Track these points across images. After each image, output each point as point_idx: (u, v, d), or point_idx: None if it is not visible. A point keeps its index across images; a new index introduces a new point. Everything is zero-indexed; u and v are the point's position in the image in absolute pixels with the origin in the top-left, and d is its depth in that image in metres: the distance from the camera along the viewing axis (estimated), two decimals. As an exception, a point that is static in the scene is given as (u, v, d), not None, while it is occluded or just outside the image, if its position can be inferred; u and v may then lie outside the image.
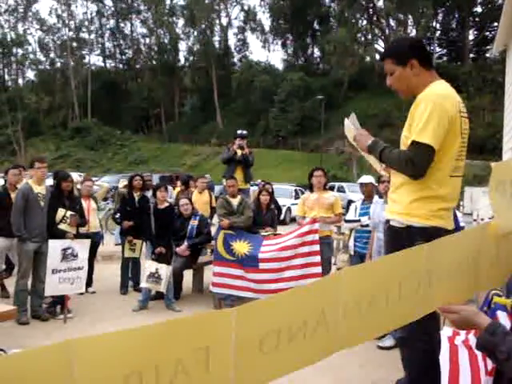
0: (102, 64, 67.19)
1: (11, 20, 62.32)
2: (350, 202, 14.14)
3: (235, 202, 6.74)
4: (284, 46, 61.35)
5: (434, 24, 51.85)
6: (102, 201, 11.37)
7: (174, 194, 9.80)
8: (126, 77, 64.71)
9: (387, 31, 51.59)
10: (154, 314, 6.00)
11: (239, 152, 8.09)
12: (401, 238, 2.46)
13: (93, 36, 64.64)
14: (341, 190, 23.31)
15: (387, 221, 2.62)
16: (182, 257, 6.76)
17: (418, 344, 2.46)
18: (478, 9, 50.53)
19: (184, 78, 62.37)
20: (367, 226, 5.59)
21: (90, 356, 1.14)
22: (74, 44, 62.20)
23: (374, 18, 53.11)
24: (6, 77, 64.64)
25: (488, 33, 48.61)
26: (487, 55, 47.73)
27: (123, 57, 66.80)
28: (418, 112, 2.37)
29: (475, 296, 4.39)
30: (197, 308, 6.31)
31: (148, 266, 6.23)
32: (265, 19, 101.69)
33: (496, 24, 36.05)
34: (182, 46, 62.60)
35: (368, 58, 53.18)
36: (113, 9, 64.25)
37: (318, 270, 5.73)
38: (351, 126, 2.77)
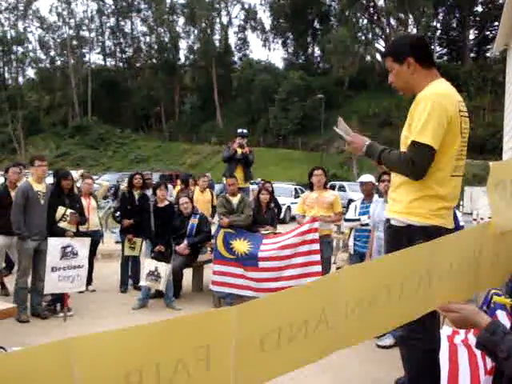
0: (103, 62, 67.14)
1: (11, 18, 62.20)
2: (350, 201, 14.14)
3: (235, 200, 6.75)
4: (284, 44, 61.32)
5: (435, 23, 51.80)
6: (102, 199, 11.38)
7: (174, 193, 9.80)
8: (126, 75, 64.60)
9: (388, 30, 51.54)
10: (154, 313, 6.00)
11: (239, 151, 8.08)
12: (401, 237, 2.46)
13: (93, 34, 64.59)
14: (341, 189, 23.30)
15: (387, 220, 2.62)
16: (182, 255, 6.76)
17: (417, 343, 2.46)
18: (479, 8, 50.58)
19: (184, 76, 62.30)
20: (367, 225, 5.58)
21: (90, 354, 1.14)
22: (75, 42, 62.07)
23: (375, 17, 53.05)
24: (6, 75, 64.55)
25: (488, 32, 48.61)
26: (488, 55, 47.72)
27: (123, 55, 66.70)
28: (418, 111, 2.37)
29: (475, 295, 4.40)
30: (196, 306, 6.31)
31: (147, 264, 6.23)
32: (265, 18, 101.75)
33: (496, 23, 36.05)
34: (183, 44, 62.76)
35: (368, 58, 53.13)
36: (113, 7, 64.16)
37: (318, 268, 5.73)
38: (342, 134, 2.75)
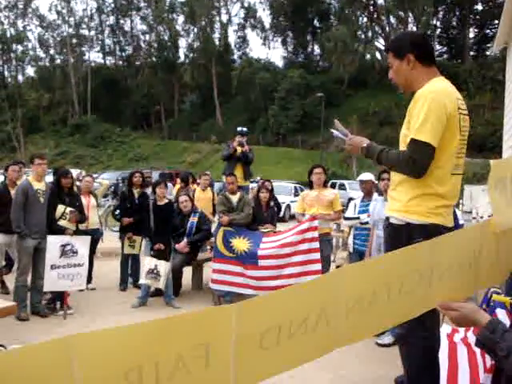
0: (102, 61, 67.05)
1: (11, 16, 62.11)
2: (350, 199, 14.14)
3: (235, 198, 6.75)
4: (284, 43, 61.23)
5: (435, 22, 51.76)
6: (102, 198, 11.37)
7: (173, 192, 9.80)
8: (126, 73, 64.49)
9: (387, 29, 51.52)
10: (154, 311, 6.00)
11: (239, 149, 8.08)
12: (400, 235, 2.46)
13: (93, 33, 64.48)
14: (342, 187, 23.30)
15: (387, 218, 2.62)
16: (182, 253, 6.76)
17: (417, 341, 2.46)
18: (479, 6, 50.50)
19: (184, 74, 62.19)
20: (366, 223, 5.59)
21: (89, 352, 1.14)
22: (74, 40, 61.95)
23: (375, 16, 52.99)
24: (6, 73, 64.45)
25: (488, 31, 48.56)
26: (487, 53, 47.72)
27: (123, 53, 66.62)
28: (416, 109, 2.37)
29: (474, 294, 4.40)
30: (196, 305, 6.32)
31: (147, 262, 6.23)
32: (265, 16, 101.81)
33: (496, 22, 35.99)
34: (182, 42, 62.59)
35: (368, 56, 53.11)
36: (113, 5, 64.04)
37: (318, 267, 5.73)
38: (340, 135, 2.75)
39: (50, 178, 7.20)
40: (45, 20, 63.15)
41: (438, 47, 52.02)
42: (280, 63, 61.38)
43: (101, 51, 66.46)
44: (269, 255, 5.95)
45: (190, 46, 60.90)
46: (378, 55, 52.03)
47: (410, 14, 49.23)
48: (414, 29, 48.24)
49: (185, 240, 6.79)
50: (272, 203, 7.19)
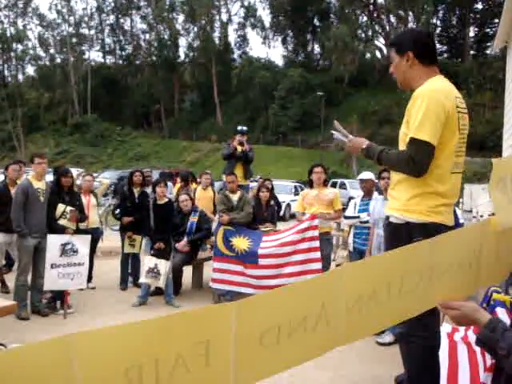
0: (102, 60, 67.02)
1: (11, 15, 62.14)
2: (350, 198, 14.11)
3: (235, 197, 6.75)
4: (284, 42, 61.20)
5: (435, 21, 51.78)
6: (102, 197, 11.38)
7: (173, 191, 9.80)
8: (126, 73, 64.50)
9: (388, 28, 51.51)
10: (154, 310, 6.00)
11: (239, 148, 8.08)
12: (400, 234, 2.46)
13: (93, 32, 64.45)
14: (342, 186, 23.29)
15: (387, 217, 2.62)
16: (182, 252, 6.77)
17: (417, 340, 2.46)
18: (479, 5, 50.51)
19: (184, 74, 62.22)
20: (366, 222, 5.59)
21: (89, 350, 1.14)
22: (74, 40, 61.93)
23: (375, 15, 53.00)
24: (6, 72, 64.46)
25: (489, 30, 48.54)
26: (488, 52, 47.69)
27: (123, 53, 66.55)
28: (415, 108, 2.37)
29: (475, 292, 4.40)
30: (196, 304, 6.32)
31: (147, 261, 6.24)
32: (265, 15, 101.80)
33: (497, 21, 35.98)
34: (182, 41, 62.31)
35: (368, 55, 53.09)
36: (113, 4, 63.99)
37: (318, 266, 5.73)
38: (340, 137, 2.75)
39: (50, 177, 7.21)
40: (45, 19, 63.18)
41: (438, 46, 52.01)
42: (280, 62, 61.54)
43: (101, 50, 66.50)
44: (269, 254, 5.95)
45: (190, 45, 60.92)
46: (378, 54, 52.07)
47: (410, 13, 49.21)
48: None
49: (185, 239, 6.79)
50: (272, 202, 7.19)
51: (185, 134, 52.81)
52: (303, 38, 58.81)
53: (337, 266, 6.89)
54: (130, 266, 7.22)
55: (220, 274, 6.18)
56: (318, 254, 5.78)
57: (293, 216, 13.80)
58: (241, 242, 6.17)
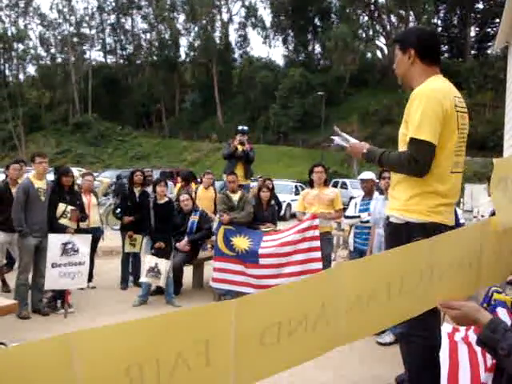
0: (103, 59, 67.03)
1: (12, 15, 62.09)
2: (351, 198, 14.11)
3: (235, 197, 6.75)
4: (285, 41, 61.16)
5: (436, 20, 51.75)
6: (103, 196, 11.37)
7: (174, 191, 9.80)
8: (127, 72, 64.53)
9: (388, 27, 51.48)
10: (154, 309, 6.01)
11: (240, 148, 8.08)
12: (400, 233, 2.46)
13: (93, 31, 64.44)
14: (343, 186, 23.31)
15: (387, 217, 2.62)
16: (183, 252, 6.77)
17: (418, 340, 2.46)
18: (480, 5, 50.48)
19: (185, 73, 62.21)
20: (367, 222, 5.59)
21: (90, 349, 1.14)
22: (75, 39, 61.94)
23: (376, 14, 52.98)
24: (7, 72, 64.39)
25: (490, 29, 48.54)
26: (489, 52, 47.66)
27: (124, 52, 66.57)
28: (413, 108, 2.38)
29: (475, 292, 4.39)
30: (197, 303, 6.30)
31: (148, 260, 6.24)
32: (266, 15, 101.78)
33: (498, 20, 35.91)
34: (183, 41, 62.62)
35: (369, 55, 53.14)
36: (113, 4, 63.97)
37: (319, 265, 5.73)
38: (340, 142, 2.75)
39: (50, 177, 7.20)
40: (46, 19, 63.16)
41: (439, 46, 51.95)
42: (281, 62, 61.45)
43: (102, 50, 66.49)
44: (269, 254, 5.95)
45: (191, 44, 60.93)
46: (378, 54, 52.07)
47: (411, 13, 49.19)
48: (415, 28, 48.13)
49: (185, 239, 6.79)
50: (273, 202, 7.19)
51: (185, 134, 52.81)
52: (304, 37, 58.78)
53: (337, 265, 6.88)
54: (130, 265, 7.23)
55: (220, 274, 6.19)
56: (318, 254, 5.78)
57: (293, 216, 13.78)
58: (241, 242, 6.18)
